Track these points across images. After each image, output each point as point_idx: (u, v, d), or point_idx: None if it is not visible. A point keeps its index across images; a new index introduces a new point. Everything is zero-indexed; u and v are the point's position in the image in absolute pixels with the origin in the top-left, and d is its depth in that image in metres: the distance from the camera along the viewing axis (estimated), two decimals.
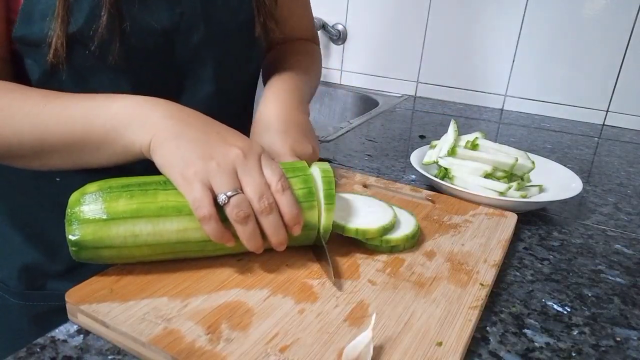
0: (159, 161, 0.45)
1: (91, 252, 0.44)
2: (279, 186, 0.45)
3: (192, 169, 0.43)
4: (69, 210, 0.44)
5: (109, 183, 0.46)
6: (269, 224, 0.45)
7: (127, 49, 0.51)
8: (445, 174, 0.74)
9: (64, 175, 0.58)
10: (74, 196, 0.45)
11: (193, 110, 0.49)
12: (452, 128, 0.77)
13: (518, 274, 0.56)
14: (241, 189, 0.44)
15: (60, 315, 0.43)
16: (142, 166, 0.48)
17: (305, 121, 0.62)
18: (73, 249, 0.44)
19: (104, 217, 0.43)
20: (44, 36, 0.48)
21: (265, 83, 0.70)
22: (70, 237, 0.43)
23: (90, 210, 0.44)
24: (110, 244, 0.44)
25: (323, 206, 0.49)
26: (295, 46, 0.77)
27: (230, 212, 0.43)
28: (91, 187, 0.45)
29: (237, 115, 0.70)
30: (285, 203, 0.45)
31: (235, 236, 0.45)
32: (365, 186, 0.70)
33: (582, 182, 0.73)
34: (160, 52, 0.54)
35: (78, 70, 0.51)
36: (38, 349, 0.39)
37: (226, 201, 0.43)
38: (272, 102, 0.62)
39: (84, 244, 0.43)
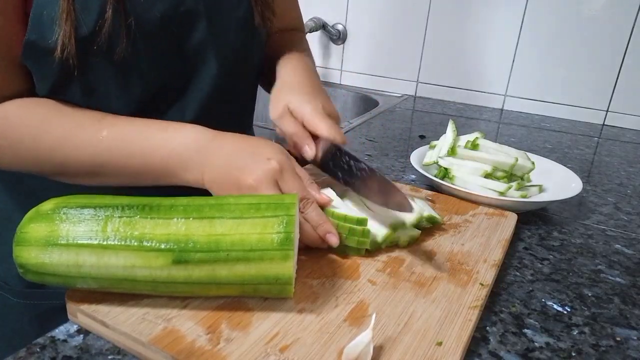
0: (216, 194, 0.51)
1: (36, 276, 0.41)
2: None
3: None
4: (18, 229, 0.41)
5: (69, 201, 0.42)
6: (315, 214, 0.49)
7: (133, 44, 0.52)
8: (445, 174, 0.74)
9: None
10: (28, 213, 0.42)
11: (242, 137, 0.53)
12: (450, 128, 0.77)
13: (518, 274, 0.56)
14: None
15: (61, 314, 0.43)
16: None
17: (324, 89, 0.65)
18: (20, 270, 0.41)
19: (45, 242, 0.40)
20: (54, 40, 0.48)
21: (264, 72, 0.72)
22: (15, 258, 0.40)
23: (34, 232, 0.40)
24: (53, 272, 0.40)
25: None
26: (288, 36, 0.79)
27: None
28: (47, 204, 0.42)
29: (242, 108, 0.71)
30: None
31: (197, 283, 0.41)
32: None
33: (582, 182, 0.73)
34: (165, 47, 0.55)
35: (87, 69, 0.52)
36: (38, 349, 0.39)
37: None
38: (293, 70, 0.65)
39: (28, 267, 0.40)
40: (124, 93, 0.54)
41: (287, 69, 0.66)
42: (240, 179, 0.49)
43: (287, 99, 0.59)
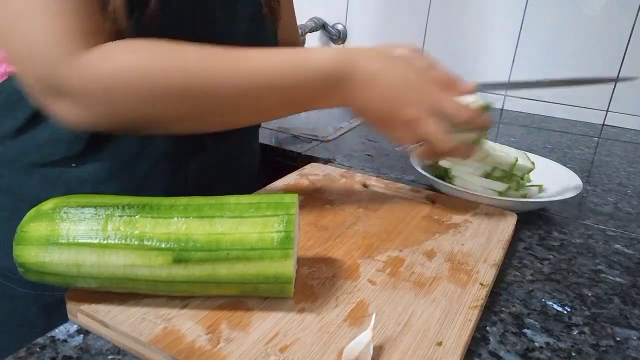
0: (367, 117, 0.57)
1: (37, 275, 0.41)
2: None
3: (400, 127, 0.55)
4: (18, 228, 0.41)
5: (69, 200, 0.42)
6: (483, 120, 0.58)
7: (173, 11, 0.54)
8: (445, 173, 0.74)
9: (79, 162, 0.58)
10: (29, 213, 0.42)
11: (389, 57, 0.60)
12: None
13: (518, 273, 0.56)
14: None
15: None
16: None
17: None
18: (20, 269, 0.41)
19: (46, 241, 0.40)
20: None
21: None
22: (15, 257, 0.41)
23: (34, 232, 0.40)
24: (53, 271, 0.40)
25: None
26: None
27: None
28: (48, 203, 0.42)
29: None
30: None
31: (197, 282, 0.41)
32: (365, 186, 0.70)
33: (582, 182, 0.73)
34: (199, 18, 0.58)
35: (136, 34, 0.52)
36: (38, 349, 0.39)
37: None
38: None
39: (28, 266, 0.40)
40: None
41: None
42: (401, 113, 0.54)
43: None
